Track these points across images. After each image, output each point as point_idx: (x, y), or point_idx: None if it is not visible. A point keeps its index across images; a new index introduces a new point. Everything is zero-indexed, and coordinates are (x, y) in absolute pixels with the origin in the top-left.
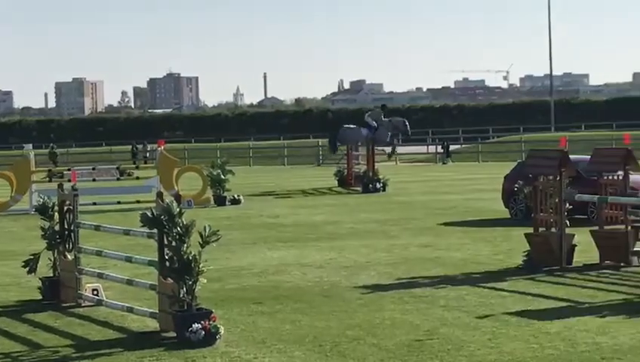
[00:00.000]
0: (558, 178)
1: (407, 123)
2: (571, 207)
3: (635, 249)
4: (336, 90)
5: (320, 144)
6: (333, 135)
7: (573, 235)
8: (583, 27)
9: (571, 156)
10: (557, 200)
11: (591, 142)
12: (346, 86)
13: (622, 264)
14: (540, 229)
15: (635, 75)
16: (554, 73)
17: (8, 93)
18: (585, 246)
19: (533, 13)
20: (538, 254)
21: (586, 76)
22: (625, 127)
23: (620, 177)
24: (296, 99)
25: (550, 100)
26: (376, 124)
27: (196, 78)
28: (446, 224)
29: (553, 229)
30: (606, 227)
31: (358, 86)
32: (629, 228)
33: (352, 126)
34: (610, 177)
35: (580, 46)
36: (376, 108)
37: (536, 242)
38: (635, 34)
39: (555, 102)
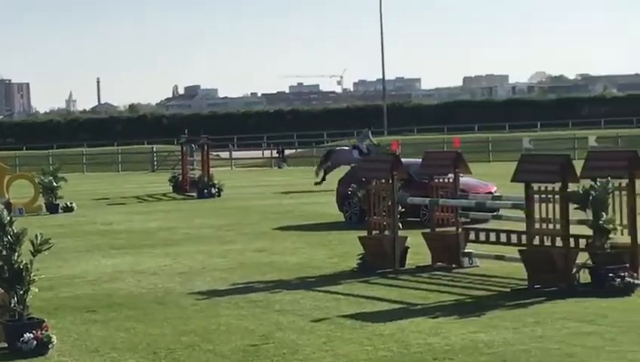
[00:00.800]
0: (390, 181)
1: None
2: (404, 209)
3: (465, 250)
4: (170, 95)
5: (154, 150)
6: (329, 152)
7: (406, 238)
8: (414, 32)
9: (403, 159)
10: (390, 203)
11: (423, 145)
12: (181, 91)
13: (453, 265)
14: (374, 232)
15: (465, 79)
16: (386, 78)
17: None
18: (417, 249)
19: (365, 19)
20: (372, 257)
21: (418, 80)
22: (455, 131)
23: (451, 180)
24: (130, 105)
25: (383, 104)
26: (366, 149)
27: (27, 84)
28: (281, 228)
29: (386, 232)
30: (437, 229)
31: (192, 91)
32: (460, 229)
33: (345, 148)
34: (441, 180)
35: (412, 51)
36: (364, 130)
37: (370, 245)
38: (465, 39)
39: (388, 106)
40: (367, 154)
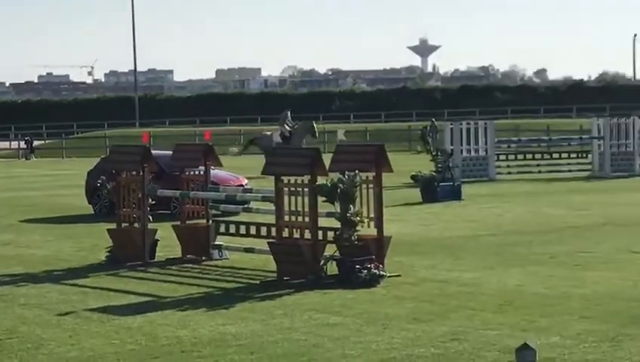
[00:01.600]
0: (140, 173)
1: (314, 123)
2: (154, 202)
3: (215, 243)
4: None
5: None
6: (251, 140)
7: (156, 230)
8: (167, 24)
9: (154, 151)
10: (140, 195)
11: (174, 137)
12: None
13: (203, 258)
14: (123, 224)
15: (218, 71)
16: (139, 69)
17: None
18: (168, 241)
19: (117, 8)
20: (121, 249)
21: (171, 72)
22: (208, 123)
23: (201, 172)
24: None
25: (135, 96)
26: (288, 133)
27: None
28: (29, 221)
29: (136, 224)
30: (188, 221)
31: None
32: (210, 222)
33: (268, 133)
34: (192, 172)
35: (165, 43)
36: (283, 113)
37: (119, 237)
38: (218, 31)
39: (140, 97)
40: (289, 138)
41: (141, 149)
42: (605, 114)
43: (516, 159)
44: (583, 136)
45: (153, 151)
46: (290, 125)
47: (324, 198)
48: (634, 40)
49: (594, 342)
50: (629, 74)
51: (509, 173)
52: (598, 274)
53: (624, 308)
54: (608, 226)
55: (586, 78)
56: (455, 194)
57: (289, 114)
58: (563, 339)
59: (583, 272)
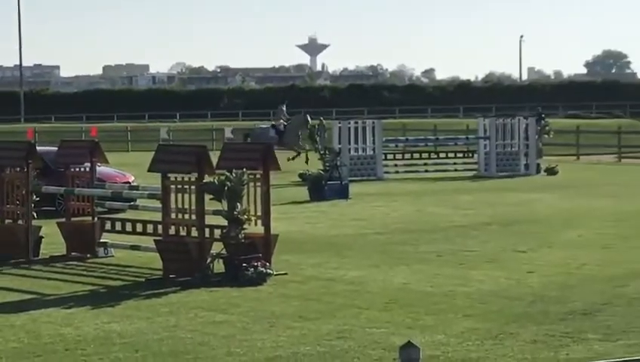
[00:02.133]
0: (25, 169)
1: (307, 117)
2: (39, 198)
3: (101, 240)
4: None
5: None
6: (247, 134)
7: (40, 227)
8: (53, 18)
9: (39, 147)
10: (24, 191)
11: (60, 133)
12: None
13: (88, 255)
14: (7, 221)
15: (105, 67)
16: (24, 64)
17: None
18: (52, 238)
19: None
20: (4, 246)
21: (57, 68)
22: (95, 120)
23: (87, 169)
24: None
25: (20, 91)
26: (283, 127)
27: None
28: None
29: (20, 221)
30: (73, 218)
31: None
32: (96, 219)
33: (263, 126)
34: (78, 169)
35: (51, 37)
36: (278, 107)
37: (2, 234)
38: (105, 27)
39: (26, 93)
40: (284, 132)
41: (26, 145)
42: (491, 114)
43: (403, 158)
44: (470, 136)
45: (38, 148)
46: (285, 119)
47: (211, 196)
48: (520, 41)
49: (477, 339)
50: (515, 75)
51: (397, 172)
52: (482, 273)
53: (507, 306)
54: (493, 225)
55: (473, 79)
56: (342, 193)
57: (284, 108)
58: (447, 337)
59: (467, 271)
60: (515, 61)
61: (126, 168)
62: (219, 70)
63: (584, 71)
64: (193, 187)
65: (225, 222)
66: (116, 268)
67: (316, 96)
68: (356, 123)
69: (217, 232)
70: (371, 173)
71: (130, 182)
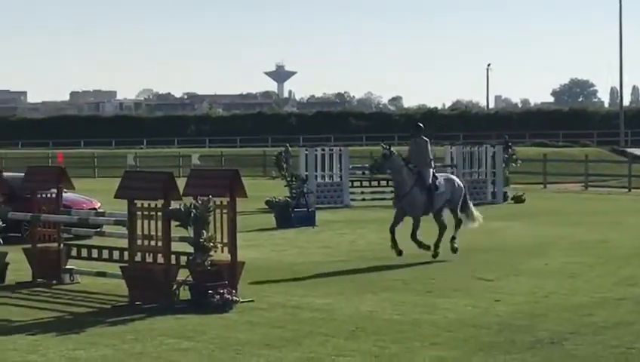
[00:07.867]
0: None
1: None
2: (5, 225)
3: (67, 266)
4: None
5: None
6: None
7: (6, 253)
8: (21, 44)
9: (5, 174)
10: None
11: (27, 160)
12: None
13: (54, 282)
14: None
15: (72, 93)
16: None
17: None
18: (18, 265)
19: None
20: None
21: (24, 94)
22: (61, 146)
23: (54, 195)
24: None
25: None
26: None
27: None
28: None
29: None
30: (39, 245)
31: None
32: (62, 245)
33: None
34: (44, 195)
35: (18, 63)
36: None
37: None
38: (73, 53)
39: None
40: None
41: None
42: (458, 142)
43: (370, 185)
44: (437, 165)
45: (4, 174)
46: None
47: (177, 223)
48: (488, 70)
49: None
50: (483, 103)
51: (364, 199)
52: (449, 301)
53: (474, 335)
54: (460, 253)
55: (440, 107)
56: (309, 220)
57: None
58: None
59: (434, 299)
60: (482, 89)
61: (92, 194)
62: (186, 97)
63: (551, 99)
64: (159, 213)
65: (191, 249)
66: (82, 295)
67: (283, 123)
68: (323, 150)
69: (183, 259)
70: (338, 201)
71: (96, 208)
